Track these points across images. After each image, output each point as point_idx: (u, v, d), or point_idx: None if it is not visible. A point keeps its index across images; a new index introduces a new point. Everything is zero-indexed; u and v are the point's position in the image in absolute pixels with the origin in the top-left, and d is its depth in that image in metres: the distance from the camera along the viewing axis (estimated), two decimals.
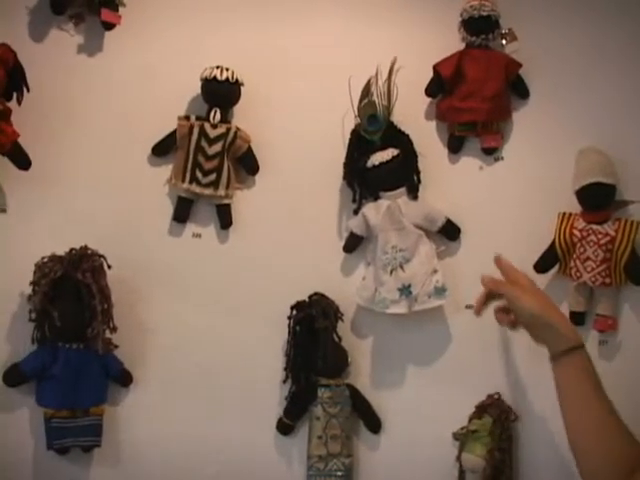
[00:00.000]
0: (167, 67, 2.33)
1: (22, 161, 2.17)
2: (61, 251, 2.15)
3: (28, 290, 2.14)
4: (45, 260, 2.14)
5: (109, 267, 2.17)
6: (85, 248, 2.16)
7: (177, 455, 2.30)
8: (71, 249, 2.16)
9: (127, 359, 2.25)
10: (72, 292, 2.14)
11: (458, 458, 2.29)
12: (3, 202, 2.22)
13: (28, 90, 2.16)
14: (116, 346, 2.22)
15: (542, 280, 2.34)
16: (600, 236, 2.27)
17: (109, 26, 2.28)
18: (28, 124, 2.17)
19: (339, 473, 2.29)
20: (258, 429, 2.33)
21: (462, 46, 2.39)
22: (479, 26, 2.35)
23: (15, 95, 2.16)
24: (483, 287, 1.82)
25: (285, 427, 2.33)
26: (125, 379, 2.26)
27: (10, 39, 2.15)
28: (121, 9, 2.28)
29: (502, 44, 2.41)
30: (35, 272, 2.13)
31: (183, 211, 2.31)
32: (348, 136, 2.34)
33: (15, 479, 2.21)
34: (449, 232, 2.37)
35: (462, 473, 2.30)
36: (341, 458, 2.29)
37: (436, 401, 2.35)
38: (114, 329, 2.19)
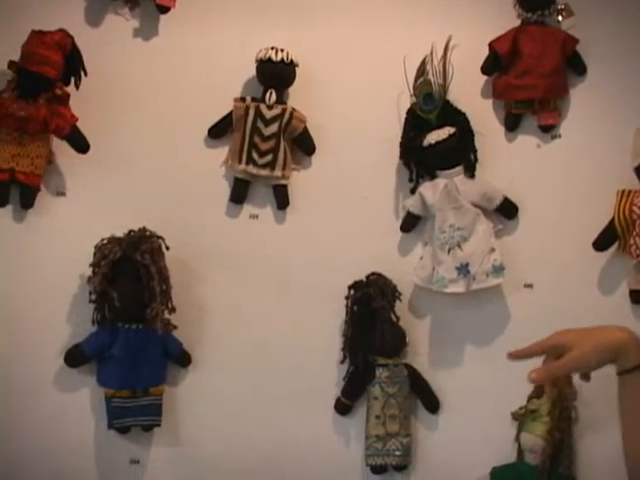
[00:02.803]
0: (222, 49, 2.35)
1: (81, 144, 2.20)
2: (120, 233, 2.18)
3: (88, 272, 2.17)
4: (104, 242, 2.17)
5: (167, 248, 2.20)
6: (144, 230, 2.19)
7: (235, 435, 2.32)
8: (130, 231, 2.18)
9: (186, 340, 2.27)
10: (131, 273, 2.17)
11: (517, 438, 2.28)
12: (62, 185, 2.26)
13: (86, 74, 2.20)
14: (175, 327, 2.24)
15: (601, 258, 2.32)
16: None
17: (164, 10, 2.29)
18: (86, 108, 2.21)
19: (397, 453, 2.29)
20: (316, 409, 2.34)
21: (518, 23, 2.37)
22: (535, 2, 2.33)
23: (73, 80, 2.19)
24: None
25: (343, 407, 2.33)
26: (184, 359, 2.28)
27: (67, 25, 2.19)
28: None
29: (558, 20, 2.38)
30: (95, 254, 2.16)
31: (240, 192, 2.32)
32: (404, 115, 2.34)
33: (77, 458, 2.25)
34: (507, 210, 2.35)
35: (521, 452, 2.29)
36: (399, 438, 2.29)
37: (494, 381, 2.33)
38: (173, 309, 2.21)
